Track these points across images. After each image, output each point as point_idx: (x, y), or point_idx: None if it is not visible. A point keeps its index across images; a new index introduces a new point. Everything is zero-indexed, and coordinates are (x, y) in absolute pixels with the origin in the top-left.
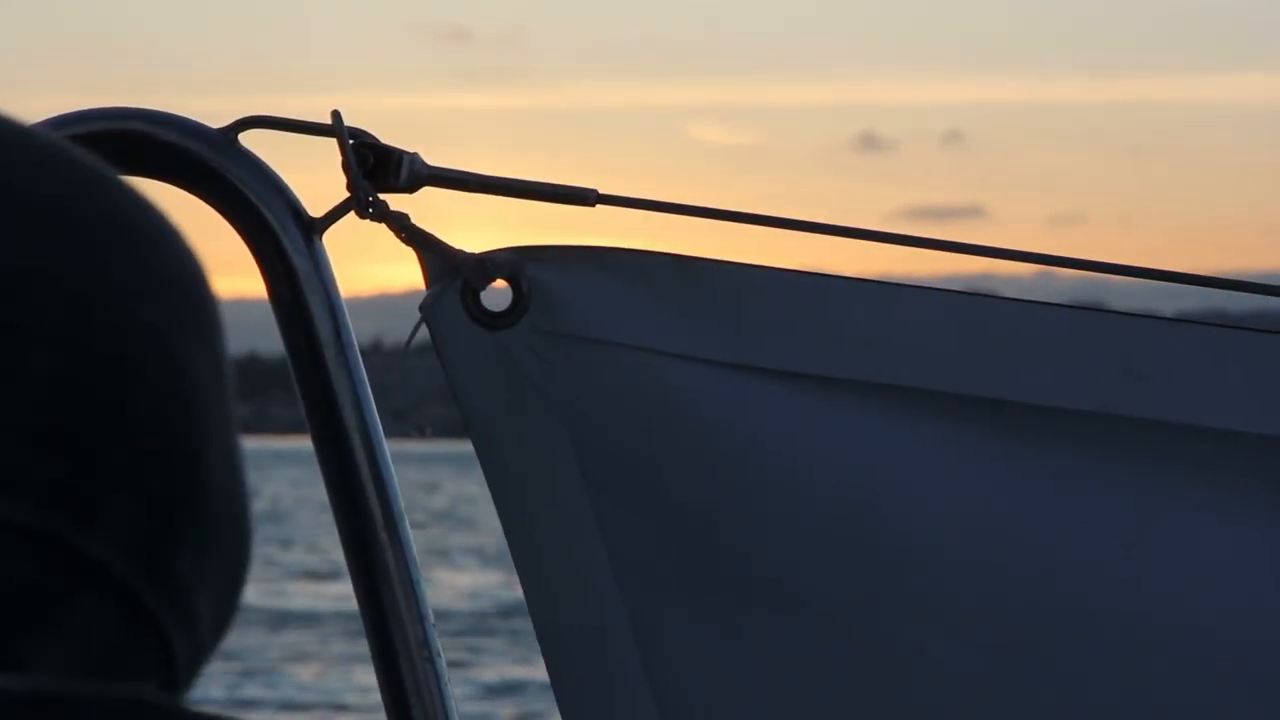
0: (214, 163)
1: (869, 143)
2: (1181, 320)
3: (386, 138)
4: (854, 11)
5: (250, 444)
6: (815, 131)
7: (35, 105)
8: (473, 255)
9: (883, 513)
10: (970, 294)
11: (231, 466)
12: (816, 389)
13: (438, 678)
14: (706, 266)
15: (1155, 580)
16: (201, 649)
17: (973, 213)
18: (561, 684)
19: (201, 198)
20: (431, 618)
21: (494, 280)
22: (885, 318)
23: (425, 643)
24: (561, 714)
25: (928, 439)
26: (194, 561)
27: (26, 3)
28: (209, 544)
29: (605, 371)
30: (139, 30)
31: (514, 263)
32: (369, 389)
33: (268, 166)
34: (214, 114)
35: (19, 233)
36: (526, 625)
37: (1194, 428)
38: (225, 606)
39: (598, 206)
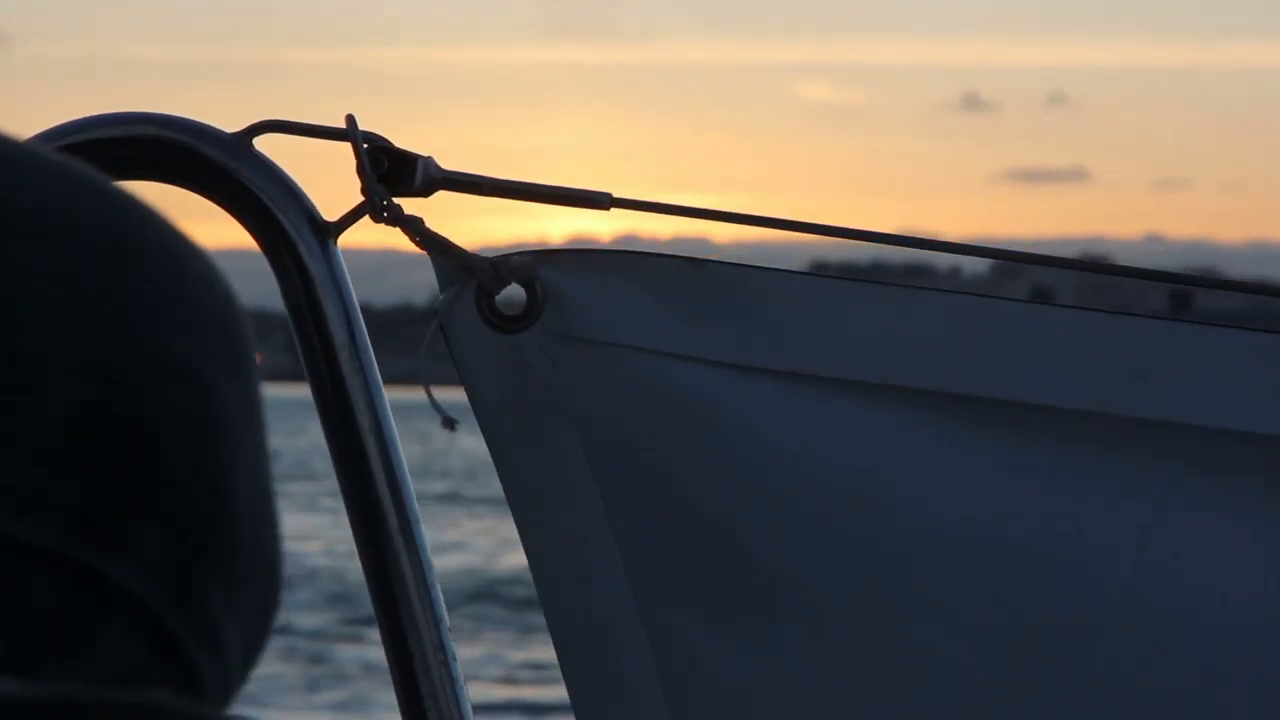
0: (228, 167)
1: (972, 104)
2: (1188, 320)
3: (484, 93)
4: None
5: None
6: (918, 91)
7: (131, 53)
8: (487, 259)
9: (894, 514)
10: (979, 295)
11: (261, 496)
12: (828, 391)
13: (453, 680)
14: (719, 269)
15: (1165, 580)
16: (230, 677)
17: (1076, 175)
18: (575, 685)
19: (215, 202)
20: (447, 620)
21: (508, 284)
22: (895, 320)
23: (441, 646)
24: (575, 714)
25: (938, 440)
26: (221, 590)
27: None
28: (236, 573)
29: (618, 374)
30: None
31: (528, 266)
32: (384, 393)
33: (282, 171)
34: (310, 64)
35: (45, 259)
36: None
37: (1202, 428)
38: (255, 636)
39: (612, 210)
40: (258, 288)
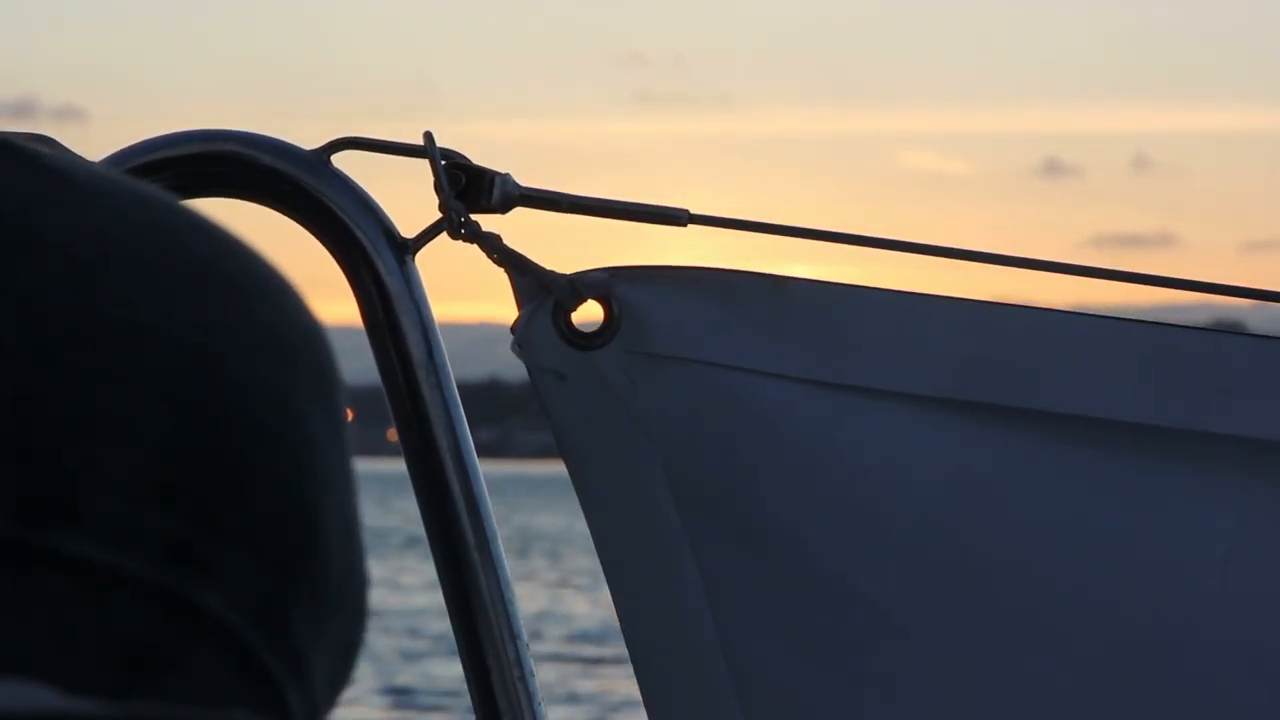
0: (306, 184)
1: (1054, 169)
2: (1268, 336)
3: (569, 165)
4: (1039, 38)
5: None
6: (1000, 157)
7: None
8: (564, 276)
9: (975, 529)
10: (1064, 311)
11: (348, 527)
12: (908, 407)
13: (530, 696)
14: (797, 285)
15: (1249, 594)
16: (315, 710)
17: (1162, 240)
18: (653, 703)
19: (294, 219)
20: (525, 637)
21: (585, 300)
22: (976, 335)
23: (518, 662)
24: None
25: (1019, 456)
26: (309, 622)
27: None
28: (325, 605)
29: (696, 391)
30: (333, 53)
31: (605, 283)
32: (462, 410)
33: (360, 187)
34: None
35: (132, 288)
36: None
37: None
38: (340, 669)
39: (690, 226)
40: None
